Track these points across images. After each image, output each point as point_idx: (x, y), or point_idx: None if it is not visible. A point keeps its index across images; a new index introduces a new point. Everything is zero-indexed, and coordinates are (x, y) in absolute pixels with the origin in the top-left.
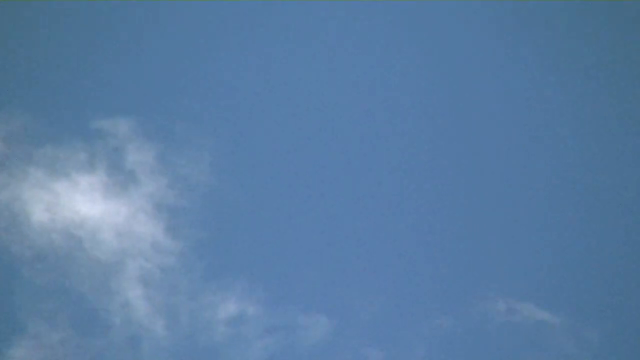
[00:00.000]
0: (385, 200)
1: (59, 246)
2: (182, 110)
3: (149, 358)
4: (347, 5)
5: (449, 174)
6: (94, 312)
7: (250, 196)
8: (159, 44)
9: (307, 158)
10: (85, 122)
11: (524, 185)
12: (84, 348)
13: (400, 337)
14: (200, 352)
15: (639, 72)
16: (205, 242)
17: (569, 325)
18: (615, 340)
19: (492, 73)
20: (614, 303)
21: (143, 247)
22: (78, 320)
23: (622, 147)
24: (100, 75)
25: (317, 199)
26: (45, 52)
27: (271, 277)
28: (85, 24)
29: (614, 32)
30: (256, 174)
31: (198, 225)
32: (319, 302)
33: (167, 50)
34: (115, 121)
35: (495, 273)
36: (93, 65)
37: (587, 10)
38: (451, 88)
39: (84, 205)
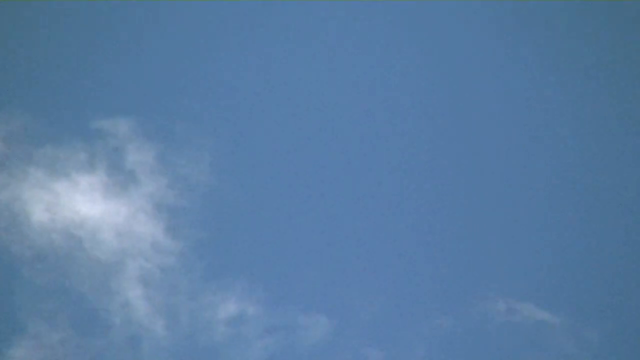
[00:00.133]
0: (385, 200)
1: (59, 246)
2: (182, 110)
3: (149, 358)
4: (347, 5)
5: (449, 174)
6: (94, 312)
7: (250, 196)
8: (159, 44)
9: (307, 158)
10: (85, 122)
11: (523, 185)
12: (84, 348)
13: (400, 337)
14: (200, 352)
15: (639, 72)
16: (205, 242)
17: (569, 325)
18: (615, 340)
19: (492, 73)
20: (614, 303)
21: (143, 247)
22: (78, 320)
23: (622, 147)
24: (100, 75)
25: (317, 199)
26: (45, 52)
27: (271, 277)
28: (85, 24)
29: (614, 32)
30: (256, 174)
31: (198, 225)
32: (319, 302)
33: (167, 50)
34: (115, 121)
35: (495, 273)
36: (93, 65)
37: (587, 10)
38: (451, 88)
39: (84, 205)
